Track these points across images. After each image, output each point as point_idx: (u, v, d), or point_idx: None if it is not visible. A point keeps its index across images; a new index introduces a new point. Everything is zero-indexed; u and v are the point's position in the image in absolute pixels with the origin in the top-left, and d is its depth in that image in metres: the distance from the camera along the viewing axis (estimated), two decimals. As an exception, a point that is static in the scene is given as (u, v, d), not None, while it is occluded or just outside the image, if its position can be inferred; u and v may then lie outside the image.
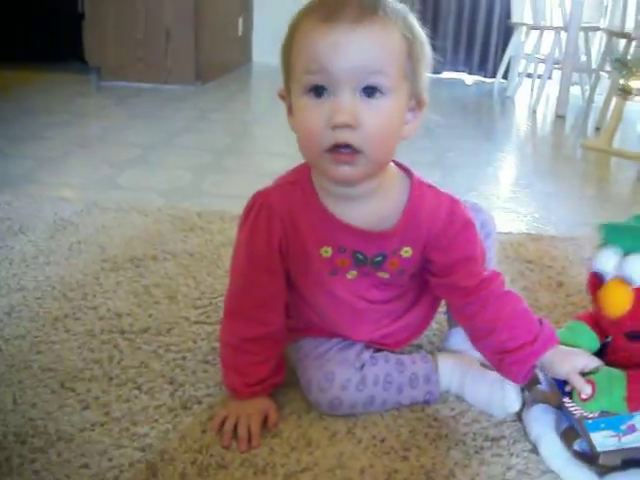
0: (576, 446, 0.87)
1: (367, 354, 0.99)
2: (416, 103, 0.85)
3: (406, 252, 0.93)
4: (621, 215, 2.06)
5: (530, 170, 2.72)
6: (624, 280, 0.87)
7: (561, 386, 0.91)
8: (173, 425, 0.91)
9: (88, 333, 1.12)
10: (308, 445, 0.89)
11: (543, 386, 0.95)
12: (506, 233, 1.75)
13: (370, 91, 0.78)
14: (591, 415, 0.85)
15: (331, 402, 0.93)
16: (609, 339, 0.97)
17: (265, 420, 0.92)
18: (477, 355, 1.02)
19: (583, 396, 0.85)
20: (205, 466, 0.84)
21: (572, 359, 0.90)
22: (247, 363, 0.94)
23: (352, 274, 0.94)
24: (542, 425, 0.91)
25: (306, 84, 0.79)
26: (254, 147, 2.72)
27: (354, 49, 0.76)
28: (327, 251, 0.91)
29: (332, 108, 0.77)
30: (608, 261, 0.87)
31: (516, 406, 0.95)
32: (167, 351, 1.08)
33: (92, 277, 1.32)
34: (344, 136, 0.77)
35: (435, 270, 0.96)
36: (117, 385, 0.99)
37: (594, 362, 0.90)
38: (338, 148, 0.79)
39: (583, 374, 0.88)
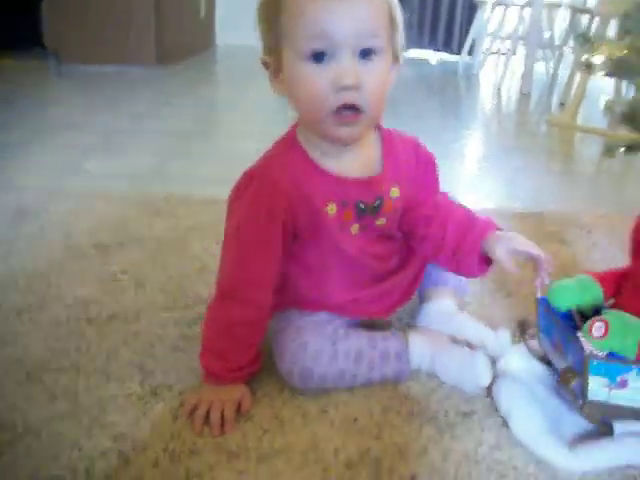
0: (573, 385, 0.89)
1: (342, 330, 0.99)
2: (394, 58, 0.90)
3: (394, 192, 0.98)
4: (585, 190, 2.10)
5: (496, 147, 2.73)
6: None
7: (562, 338, 0.92)
8: (143, 413, 0.90)
9: (54, 323, 1.10)
10: (281, 427, 0.88)
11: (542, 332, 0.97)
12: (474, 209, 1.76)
13: (366, 53, 0.83)
14: (602, 354, 0.85)
15: (302, 372, 0.93)
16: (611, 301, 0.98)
17: (238, 407, 0.91)
18: (447, 331, 1.06)
19: (596, 334, 0.86)
20: (177, 453, 0.83)
21: (507, 241, 0.95)
22: (231, 348, 0.93)
23: (355, 228, 0.97)
24: (512, 400, 0.92)
25: (306, 50, 0.82)
26: (220, 130, 2.69)
27: (352, 14, 0.80)
28: (332, 208, 0.93)
29: (336, 71, 0.81)
30: None
31: (487, 379, 0.96)
32: (135, 338, 1.07)
33: (57, 265, 1.30)
34: (351, 97, 0.83)
35: (410, 205, 1.02)
36: (85, 374, 0.97)
37: (528, 245, 0.95)
38: (342, 110, 0.84)
39: (597, 313, 0.90)
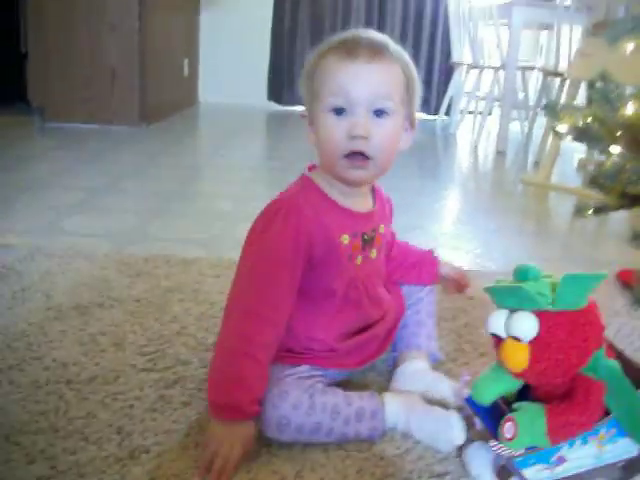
0: None
1: (320, 385, 1.02)
2: (409, 124, 1.07)
3: (381, 228, 1.13)
4: (557, 249, 2.15)
5: (472, 207, 2.80)
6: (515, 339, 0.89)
7: (490, 426, 0.93)
8: (121, 475, 0.91)
9: (33, 384, 1.11)
10: (257, 490, 0.90)
11: (478, 425, 0.98)
12: (449, 270, 1.80)
13: (379, 112, 0.98)
14: (518, 453, 0.87)
15: (280, 421, 0.95)
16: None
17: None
18: (422, 388, 1.10)
19: (507, 436, 0.88)
20: (153, 516, 0.84)
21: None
22: (255, 375, 0.95)
23: (359, 259, 1.08)
24: (481, 462, 0.94)
25: (329, 105, 0.98)
26: (200, 190, 2.73)
27: (369, 80, 0.97)
28: (345, 238, 1.05)
29: (351, 123, 0.97)
30: (498, 322, 0.90)
31: (461, 438, 0.99)
32: (114, 400, 1.08)
33: (37, 326, 1.31)
34: (360, 145, 0.97)
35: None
36: (63, 437, 0.98)
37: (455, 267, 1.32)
38: (353, 155, 0.98)
39: (506, 413, 0.91)
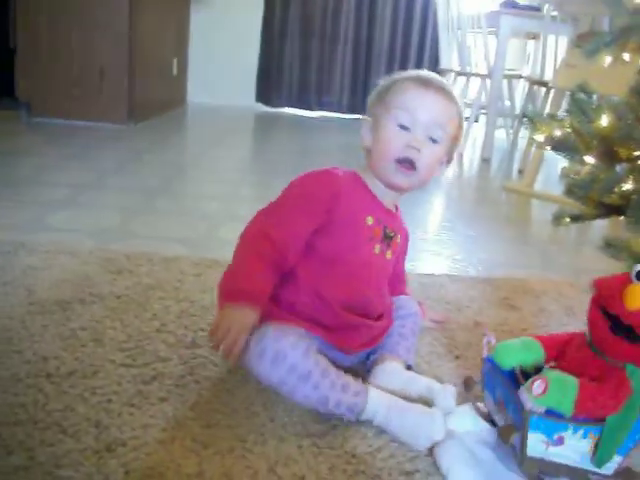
0: (513, 440, 0.94)
1: (315, 347, 1.09)
2: (447, 158, 1.24)
3: (398, 239, 1.26)
4: (537, 256, 2.19)
5: (455, 213, 2.83)
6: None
7: (513, 382, 0.97)
8: (97, 467, 0.92)
9: (13, 377, 1.12)
10: (230, 484, 0.92)
11: (487, 389, 1.03)
12: (428, 275, 1.83)
13: (433, 140, 1.15)
14: (539, 410, 0.90)
15: (277, 354, 1.02)
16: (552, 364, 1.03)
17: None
18: (398, 386, 1.14)
19: (537, 391, 0.90)
20: (128, 507, 0.85)
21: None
22: (261, 270, 1.07)
23: (377, 248, 1.20)
24: (452, 458, 0.97)
25: (397, 118, 1.15)
26: (186, 189, 2.74)
27: (433, 107, 1.15)
28: (370, 219, 1.18)
29: (410, 137, 1.14)
30: None
31: (441, 434, 1.02)
32: (93, 394, 1.09)
33: (18, 321, 1.32)
34: (412, 154, 1.14)
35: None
36: (42, 429, 0.99)
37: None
38: (404, 161, 1.14)
39: (537, 372, 0.95)
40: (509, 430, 0.95)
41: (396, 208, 1.28)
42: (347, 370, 1.12)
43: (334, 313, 1.14)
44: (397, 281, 1.36)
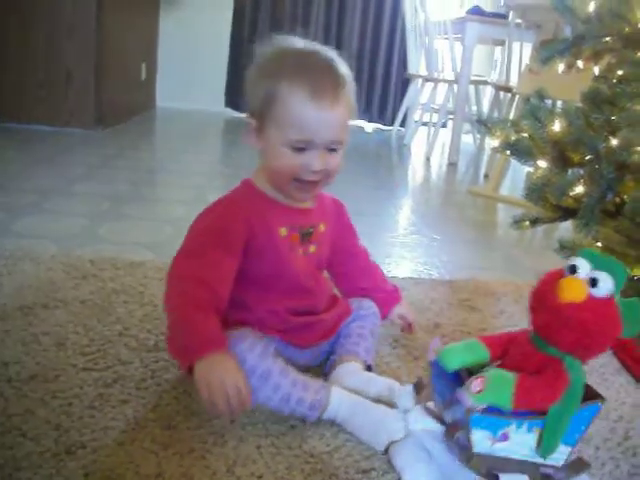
0: (457, 436, 0.97)
1: (272, 349, 1.10)
2: None
3: (322, 227, 1.23)
4: (499, 259, 2.23)
5: (420, 216, 2.86)
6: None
7: (443, 394, 1.00)
8: (57, 470, 0.93)
9: (-26, 382, 1.13)
10: (189, 484, 0.93)
11: (435, 391, 1.04)
12: (391, 278, 1.85)
13: (332, 149, 1.10)
14: (479, 407, 0.92)
15: (237, 356, 1.01)
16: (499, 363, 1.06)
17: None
18: (358, 386, 1.16)
19: (475, 389, 0.93)
20: (86, 509, 0.86)
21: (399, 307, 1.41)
22: (201, 320, 1.00)
23: (301, 251, 1.18)
24: (406, 457, 0.99)
25: (289, 141, 1.06)
26: (154, 194, 2.74)
27: (331, 126, 1.07)
28: (284, 231, 1.15)
29: (309, 159, 1.07)
30: (584, 265, 0.94)
31: (400, 433, 1.04)
32: (53, 398, 1.10)
33: (-20, 326, 1.32)
34: (313, 177, 1.10)
35: (335, 244, 1.30)
36: (1, 433, 1.00)
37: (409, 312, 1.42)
38: (303, 182, 1.10)
39: (476, 371, 0.97)
40: (454, 429, 0.98)
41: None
42: (306, 371, 1.15)
43: (284, 320, 1.17)
44: (360, 273, 1.38)
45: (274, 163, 1.10)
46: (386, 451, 1.03)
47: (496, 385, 0.92)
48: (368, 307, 1.34)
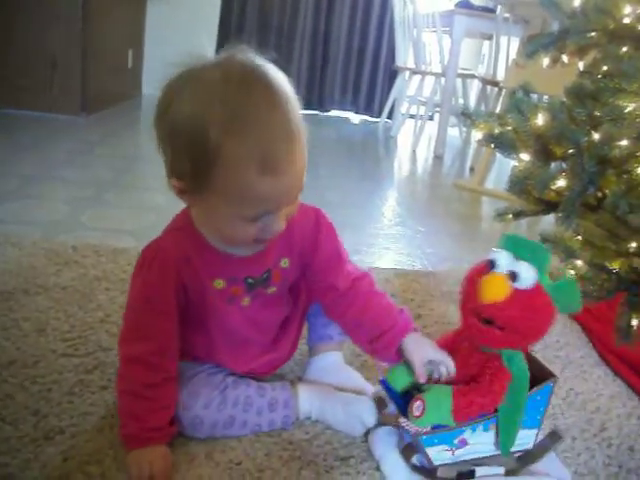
0: (414, 460, 0.97)
1: (230, 378, 1.06)
2: None
3: (284, 263, 1.05)
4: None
5: (406, 209, 2.87)
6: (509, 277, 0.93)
7: (402, 407, 0.99)
8: (35, 455, 0.93)
9: (-48, 367, 1.12)
10: (167, 470, 0.93)
11: (390, 409, 1.04)
12: (374, 268, 1.86)
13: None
14: (425, 430, 0.93)
15: (193, 420, 0.99)
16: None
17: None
18: (334, 382, 1.15)
19: (416, 413, 0.94)
20: (64, 493, 0.87)
21: (421, 348, 1.01)
22: (145, 409, 0.95)
23: (246, 301, 1.04)
24: (385, 445, 1.00)
25: (243, 215, 0.87)
26: (137, 182, 2.72)
27: (289, 192, 0.88)
28: (220, 283, 1.00)
29: (267, 224, 0.89)
30: (503, 257, 0.93)
31: (372, 420, 1.05)
32: (33, 383, 1.10)
33: (-40, 311, 1.32)
34: (271, 236, 0.92)
35: (311, 274, 1.09)
36: (-20, 417, 1.00)
37: (440, 354, 1.00)
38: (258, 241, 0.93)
39: (416, 392, 0.97)
40: (410, 450, 0.98)
41: None
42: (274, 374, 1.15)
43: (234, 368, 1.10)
44: (345, 303, 1.09)
45: (224, 231, 0.93)
46: (366, 438, 1.04)
47: (434, 406, 0.93)
48: None
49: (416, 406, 0.94)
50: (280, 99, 0.85)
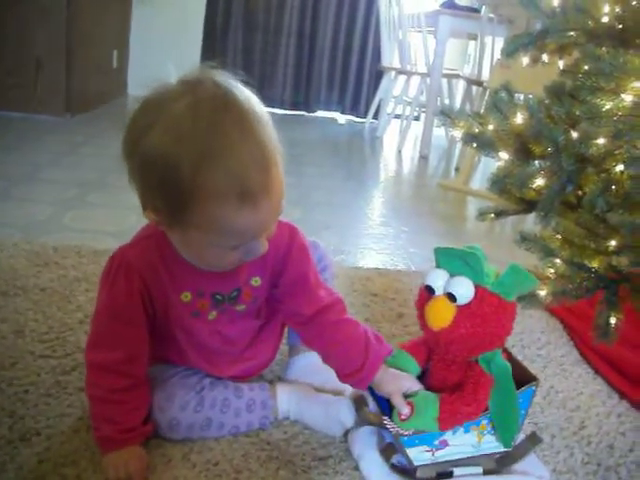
0: (394, 460, 0.97)
1: (207, 380, 1.05)
2: None
3: (255, 282, 1.03)
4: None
5: (390, 209, 2.87)
6: (448, 298, 0.94)
7: (384, 407, 0.99)
8: (11, 457, 0.93)
9: None
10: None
11: (370, 408, 1.04)
12: (356, 268, 1.86)
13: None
14: (406, 432, 0.93)
15: (170, 422, 0.99)
16: (428, 366, 1.06)
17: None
18: (314, 382, 1.15)
19: (402, 416, 0.94)
20: (39, 496, 0.86)
21: (398, 381, 0.99)
22: (117, 412, 0.95)
23: (212, 315, 1.02)
24: (364, 444, 1.00)
25: (225, 245, 0.87)
26: (121, 182, 2.67)
27: (268, 220, 0.87)
28: (187, 296, 0.98)
29: (248, 250, 0.88)
30: (438, 278, 0.95)
31: (350, 420, 1.04)
32: (9, 385, 1.09)
33: (-63, 312, 1.30)
34: (253, 258, 0.91)
35: (278, 294, 1.06)
36: (-45, 420, 0.99)
37: (416, 385, 0.99)
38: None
39: (405, 396, 0.97)
40: (389, 450, 0.98)
41: None
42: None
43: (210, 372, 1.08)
44: (312, 332, 1.07)
45: (204, 259, 0.92)
46: (346, 438, 1.04)
47: (421, 409, 0.94)
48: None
49: (404, 410, 0.94)
50: (252, 125, 0.82)
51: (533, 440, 1.03)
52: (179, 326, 1.01)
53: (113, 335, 0.96)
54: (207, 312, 1.01)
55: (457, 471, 0.97)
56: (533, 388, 0.98)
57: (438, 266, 0.98)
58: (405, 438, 0.93)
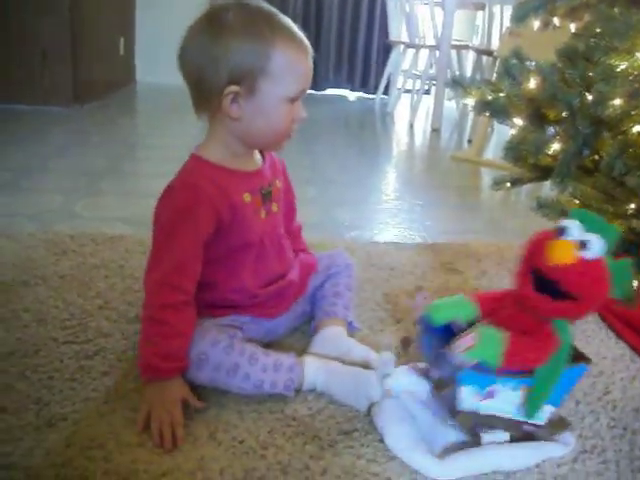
0: (445, 393, 0.98)
1: (240, 334, 1.10)
2: None
3: (278, 183, 1.20)
4: (481, 221, 2.23)
5: (403, 183, 2.86)
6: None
7: (442, 340, 0.99)
8: (38, 442, 0.93)
9: (-47, 360, 1.12)
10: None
11: (422, 343, 1.04)
12: (373, 243, 1.86)
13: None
14: (470, 363, 0.92)
15: (198, 357, 1.02)
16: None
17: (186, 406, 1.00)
18: (337, 353, 1.16)
19: (469, 343, 0.93)
20: (69, 479, 0.87)
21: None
22: (162, 333, 1.01)
23: (263, 212, 1.15)
24: (388, 417, 1.00)
25: (289, 92, 1.05)
26: (133, 169, 2.71)
27: (311, 74, 1.09)
28: (247, 197, 1.11)
29: (298, 109, 1.09)
30: (576, 228, 0.93)
31: (378, 395, 1.04)
32: (34, 372, 1.10)
33: (-41, 304, 1.31)
34: (300, 122, 1.11)
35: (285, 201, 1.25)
36: (-18, 408, 1.00)
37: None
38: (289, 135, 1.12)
39: (467, 329, 0.97)
40: (441, 386, 0.99)
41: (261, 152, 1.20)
42: (282, 346, 1.17)
43: (253, 295, 1.15)
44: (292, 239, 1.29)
45: (269, 120, 1.07)
46: (369, 412, 1.04)
47: (486, 342, 0.92)
48: (339, 262, 1.33)
49: (467, 339, 0.93)
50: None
51: (562, 424, 1.03)
52: (249, 228, 1.12)
53: (167, 247, 1.05)
54: (259, 209, 1.14)
55: (485, 439, 0.97)
56: (586, 367, 0.98)
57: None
58: (464, 372, 0.93)
